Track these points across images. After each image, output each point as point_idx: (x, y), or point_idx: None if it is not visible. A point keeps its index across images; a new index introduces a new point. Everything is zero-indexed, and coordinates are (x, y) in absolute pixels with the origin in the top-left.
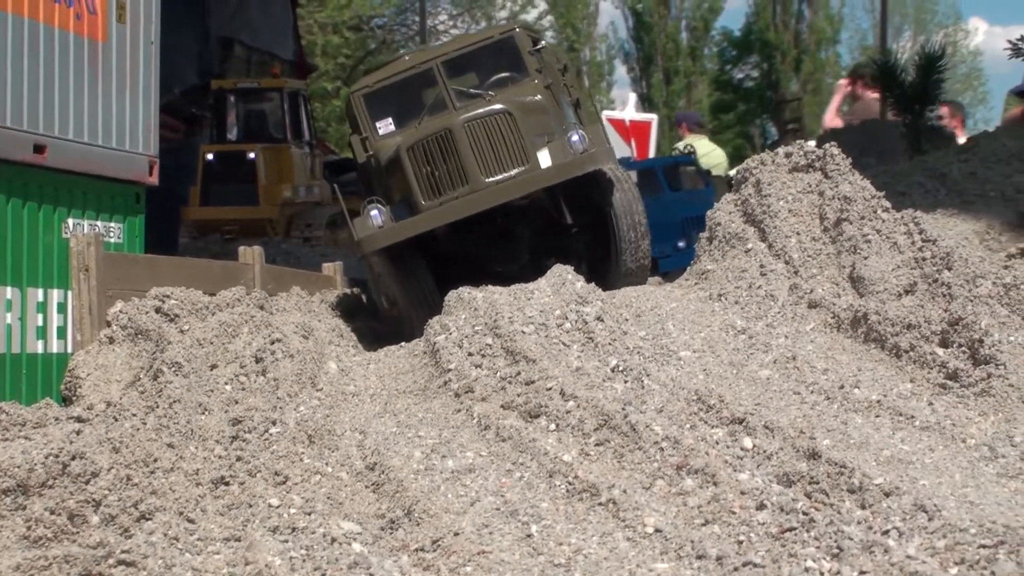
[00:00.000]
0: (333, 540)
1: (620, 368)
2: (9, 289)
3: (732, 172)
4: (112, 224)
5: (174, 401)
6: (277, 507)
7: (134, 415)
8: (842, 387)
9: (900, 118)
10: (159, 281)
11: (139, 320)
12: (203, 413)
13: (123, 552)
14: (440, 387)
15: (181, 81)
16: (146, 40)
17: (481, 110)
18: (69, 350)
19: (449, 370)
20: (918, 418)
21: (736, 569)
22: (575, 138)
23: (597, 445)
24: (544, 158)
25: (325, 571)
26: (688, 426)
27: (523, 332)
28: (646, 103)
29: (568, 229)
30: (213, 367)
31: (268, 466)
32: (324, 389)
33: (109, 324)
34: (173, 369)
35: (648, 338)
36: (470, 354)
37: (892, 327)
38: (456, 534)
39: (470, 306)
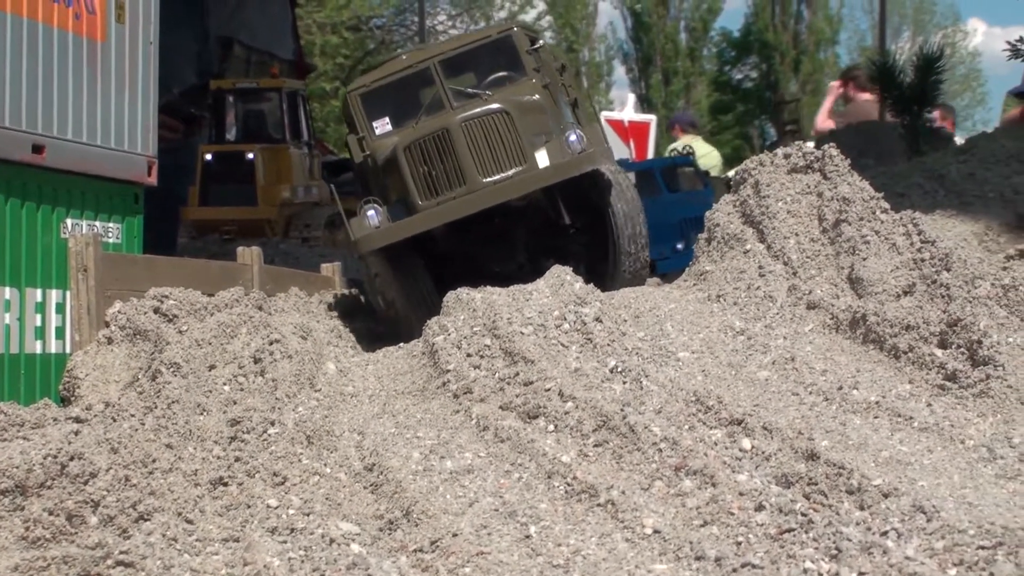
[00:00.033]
0: (332, 541)
1: (619, 369)
2: (7, 289)
3: (731, 173)
4: (111, 224)
5: (172, 402)
6: (276, 508)
7: (132, 416)
8: (841, 388)
9: (898, 119)
10: (158, 281)
11: (137, 320)
12: (201, 414)
13: (121, 553)
14: (439, 388)
15: (180, 81)
16: (145, 40)
17: (478, 109)
18: (67, 350)
19: (448, 371)
20: (917, 419)
21: (735, 570)
22: (573, 138)
23: (596, 446)
24: (542, 158)
25: (324, 572)
26: (687, 427)
27: (522, 333)
28: (645, 104)
29: (566, 230)
30: (211, 368)
31: (267, 467)
32: (323, 390)
33: (107, 324)
34: (171, 369)
35: (647, 339)
36: (469, 355)
37: (891, 328)
38: (455, 535)
39: (469, 307)
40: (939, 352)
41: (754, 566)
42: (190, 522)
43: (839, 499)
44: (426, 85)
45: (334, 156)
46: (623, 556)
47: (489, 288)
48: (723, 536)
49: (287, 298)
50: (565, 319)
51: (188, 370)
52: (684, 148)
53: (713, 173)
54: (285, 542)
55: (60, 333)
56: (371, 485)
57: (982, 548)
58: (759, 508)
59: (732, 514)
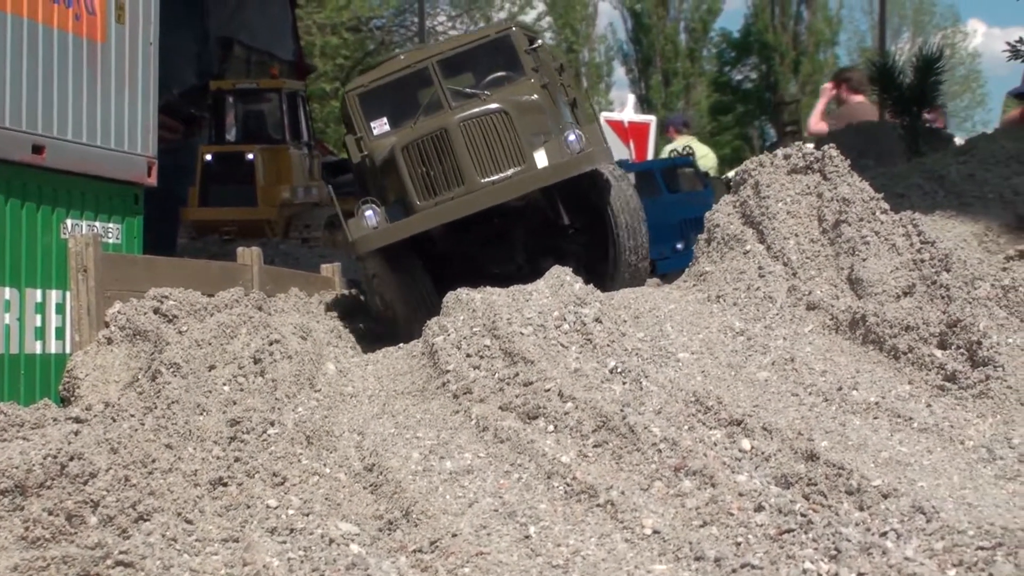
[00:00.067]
0: (331, 541)
1: (618, 369)
2: (7, 290)
3: (731, 174)
4: (111, 225)
5: (172, 402)
6: (275, 508)
7: (132, 416)
8: (840, 389)
9: (898, 120)
10: (157, 282)
11: (137, 321)
12: (201, 414)
13: (121, 553)
14: (438, 388)
15: (180, 82)
16: (145, 41)
17: (477, 109)
18: (67, 351)
19: (447, 371)
20: (916, 420)
21: (734, 571)
22: (572, 138)
23: (595, 446)
24: (540, 158)
25: (323, 572)
26: (686, 427)
27: (521, 333)
28: (645, 104)
29: (565, 230)
30: (211, 368)
31: (266, 467)
32: (322, 390)
33: (107, 325)
34: (171, 370)
35: (646, 339)
36: (468, 355)
37: (890, 329)
38: (454, 535)
39: (468, 307)
40: (939, 353)
41: (753, 566)
42: (190, 522)
43: (839, 500)
44: (424, 85)
45: (334, 157)
46: (622, 556)
47: (489, 288)
48: (722, 536)
49: (287, 298)
50: (565, 319)
51: (188, 370)
52: (684, 148)
53: (711, 175)
54: (284, 542)
55: (60, 333)
56: (371, 485)
57: (981, 549)
58: (758, 508)
59: (731, 514)
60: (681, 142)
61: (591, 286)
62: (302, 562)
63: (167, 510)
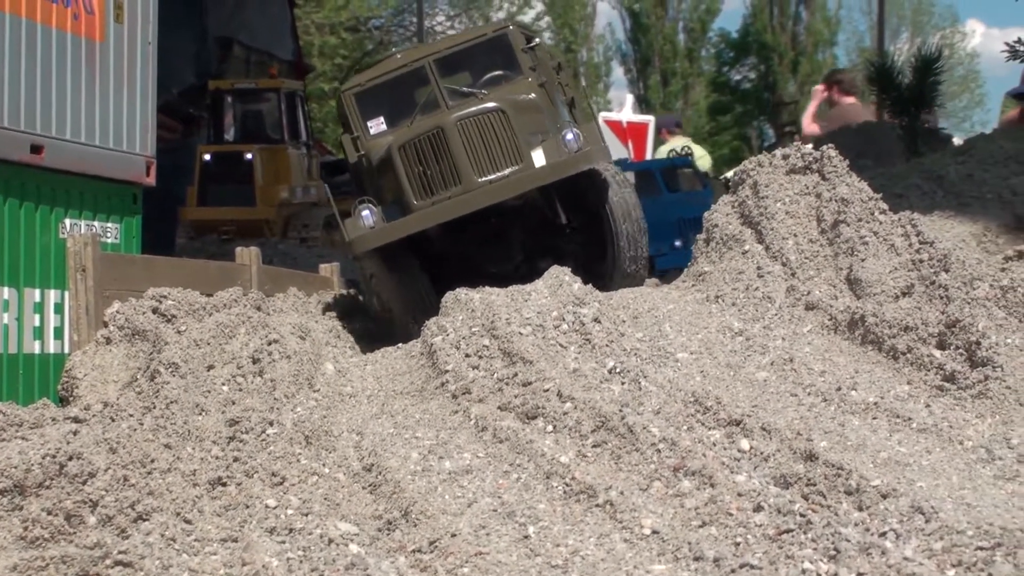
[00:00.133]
0: (330, 541)
1: (617, 370)
2: (6, 289)
3: (729, 174)
4: (109, 224)
5: (171, 402)
6: (274, 508)
7: (131, 416)
8: (839, 389)
9: (897, 120)
10: (156, 282)
11: (136, 320)
12: (200, 414)
13: (120, 553)
14: (437, 388)
15: (178, 81)
16: (143, 40)
17: (474, 108)
18: (66, 350)
19: (446, 371)
20: (915, 420)
21: (733, 571)
22: (569, 137)
23: (594, 446)
24: (538, 157)
25: (322, 572)
26: (685, 428)
27: (520, 333)
28: (643, 104)
29: (563, 229)
30: (210, 368)
31: (265, 467)
32: (321, 390)
33: (106, 324)
34: (170, 370)
35: (645, 340)
36: (467, 355)
37: (889, 329)
38: (453, 535)
39: (467, 307)
40: (938, 353)
41: (752, 567)
42: (189, 522)
43: (838, 500)
44: (421, 84)
45: (332, 156)
46: (621, 556)
47: (488, 288)
48: (721, 537)
49: (285, 298)
50: (564, 319)
51: (186, 370)
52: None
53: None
54: (284, 542)
55: (59, 333)
56: (370, 485)
57: (980, 549)
58: (758, 509)
59: (731, 515)
60: (674, 143)
61: (590, 286)
62: (301, 562)
63: (166, 510)
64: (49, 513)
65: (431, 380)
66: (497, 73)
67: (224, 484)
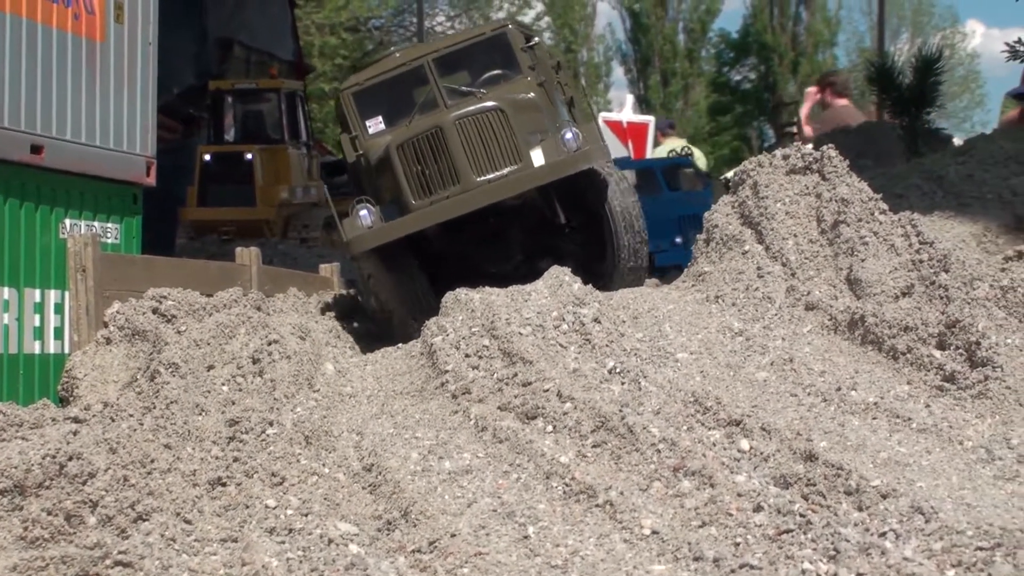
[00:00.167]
0: (330, 541)
1: (617, 370)
2: (6, 289)
3: (729, 174)
4: (109, 225)
5: (171, 402)
6: (274, 508)
7: (131, 416)
8: (839, 389)
9: (897, 121)
10: (156, 282)
11: (136, 321)
12: (200, 414)
13: (120, 553)
14: (437, 388)
15: (179, 82)
16: (144, 40)
17: (472, 107)
18: (66, 351)
19: (446, 371)
20: (915, 420)
21: (733, 571)
22: (568, 136)
23: (594, 447)
24: (537, 156)
25: (322, 572)
26: (685, 428)
27: (520, 333)
28: (643, 105)
29: (562, 229)
30: (210, 368)
31: (265, 467)
32: (321, 390)
33: (106, 325)
34: (170, 370)
35: (645, 340)
36: (467, 355)
37: (889, 329)
38: (453, 535)
39: (467, 307)
40: (938, 353)
41: (752, 567)
42: (188, 522)
43: (837, 500)
44: (420, 83)
45: (332, 157)
46: (621, 557)
47: (488, 289)
48: (721, 537)
49: (285, 299)
50: (564, 320)
51: (187, 370)
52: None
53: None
54: (283, 542)
55: (59, 333)
56: (369, 485)
57: (980, 549)
58: (757, 509)
59: (730, 515)
60: (669, 144)
61: (589, 286)
62: (301, 562)
63: (166, 510)
64: (49, 513)
65: (431, 380)
66: (496, 72)
67: (224, 484)
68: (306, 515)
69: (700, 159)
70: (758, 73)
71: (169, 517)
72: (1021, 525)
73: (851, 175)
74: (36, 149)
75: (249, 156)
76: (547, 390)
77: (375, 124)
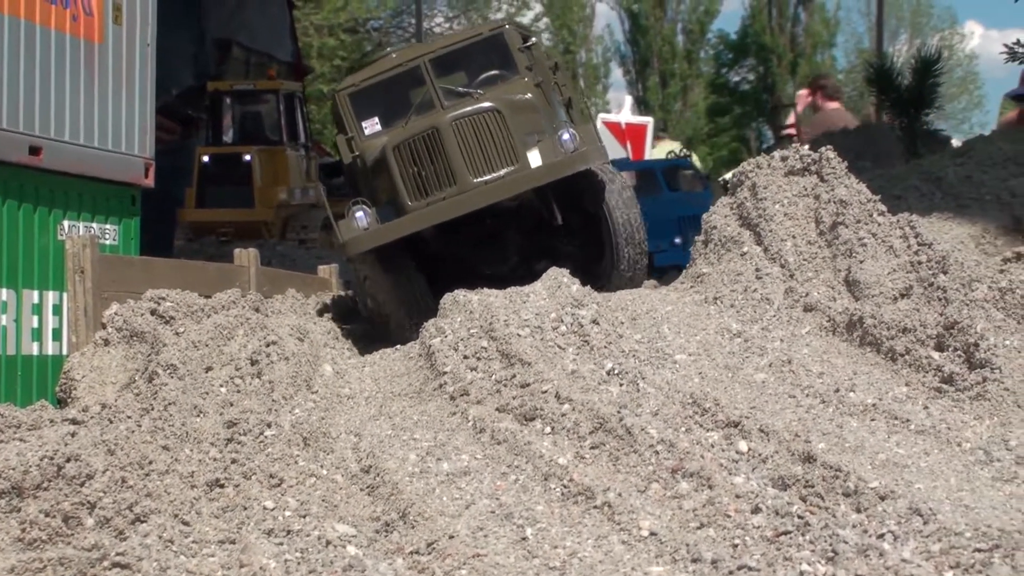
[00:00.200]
0: (328, 543)
1: (615, 371)
2: (4, 291)
3: (728, 175)
4: (107, 226)
5: (169, 403)
6: (272, 509)
7: (129, 417)
8: (837, 391)
9: (896, 122)
10: (154, 283)
11: (134, 322)
12: (198, 415)
13: (118, 554)
14: (435, 390)
15: (177, 83)
16: (142, 42)
17: (469, 108)
18: (64, 352)
19: (444, 373)
20: (913, 422)
21: (731, 572)
22: (566, 137)
23: (592, 448)
24: (534, 157)
25: (320, 573)
26: (683, 429)
27: (518, 335)
28: (642, 106)
29: (559, 230)
30: (208, 369)
31: (263, 468)
32: (319, 392)
33: (104, 326)
34: (168, 371)
35: (643, 341)
36: (465, 357)
37: (888, 331)
38: (451, 537)
39: (465, 309)
40: (936, 355)
41: (750, 568)
42: (186, 524)
43: (835, 501)
44: (416, 84)
45: (331, 158)
46: (619, 558)
47: (486, 290)
48: (719, 538)
49: (284, 300)
50: (562, 321)
51: (185, 372)
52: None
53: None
54: (281, 544)
55: (57, 335)
56: (367, 487)
57: (978, 551)
58: (756, 510)
59: (728, 516)
60: (662, 147)
61: (588, 288)
62: (299, 564)
63: (164, 512)
64: (47, 515)
65: (429, 382)
66: (493, 73)
67: (222, 486)
68: (304, 516)
69: (696, 162)
70: (757, 74)
71: (167, 518)
72: (1019, 526)
73: (849, 176)
74: (35, 150)
75: (247, 157)
76: (545, 391)
77: (371, 125)
